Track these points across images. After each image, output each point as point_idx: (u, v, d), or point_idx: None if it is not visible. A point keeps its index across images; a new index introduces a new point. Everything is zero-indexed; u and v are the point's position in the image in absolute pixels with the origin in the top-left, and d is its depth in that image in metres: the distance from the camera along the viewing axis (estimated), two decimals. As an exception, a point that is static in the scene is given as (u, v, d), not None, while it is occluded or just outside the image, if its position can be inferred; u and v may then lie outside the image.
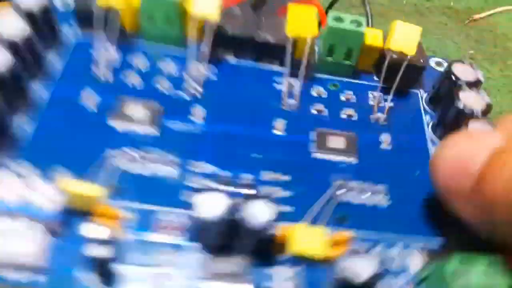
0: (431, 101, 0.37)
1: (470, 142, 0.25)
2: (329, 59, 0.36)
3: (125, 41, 0.35)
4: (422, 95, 0.38)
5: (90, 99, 0.32)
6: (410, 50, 0.34)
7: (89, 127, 0.31)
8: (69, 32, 0.36)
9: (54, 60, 0.34)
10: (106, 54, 0.34)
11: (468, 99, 0.33)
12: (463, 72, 0.35)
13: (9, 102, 0.29)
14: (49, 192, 0.27)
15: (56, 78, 0.33)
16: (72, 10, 0.35)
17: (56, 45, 0.34)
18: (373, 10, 0.48)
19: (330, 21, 0.35)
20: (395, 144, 0.34)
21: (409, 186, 0.31)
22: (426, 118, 0.36)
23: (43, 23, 0.33)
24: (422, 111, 0.37)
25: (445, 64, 0.40)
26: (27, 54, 0.31)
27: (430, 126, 0.36)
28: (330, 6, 0.49)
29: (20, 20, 0.31)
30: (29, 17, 0.31)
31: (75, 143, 0.30)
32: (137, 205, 0.28)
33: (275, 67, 0.37)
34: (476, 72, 0.35)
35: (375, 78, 0.38)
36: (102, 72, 0.34)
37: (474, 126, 0.31)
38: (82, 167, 0.28)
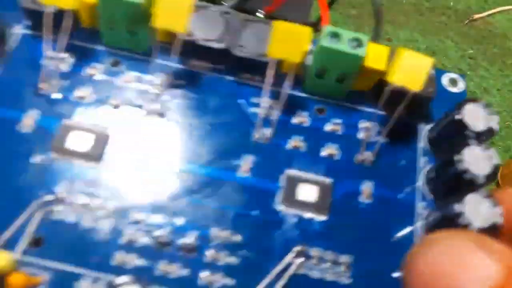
0: (432, 141, 0.31)
1: (458, 264, 0.20)
2: (319, 81, 0.30)
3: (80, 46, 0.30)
4: (423, 129, 0.31)
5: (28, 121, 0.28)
6: (415, 85, 0.28)
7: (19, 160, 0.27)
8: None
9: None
10: (54, 61, 0.29)
11: (473, 158, 0.27)
12: (475, 115, 0.28)
13: None
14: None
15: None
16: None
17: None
18: (370, 8, 0.40)
19: (323, 39, 0.28)
20: (376, 196, 0.29)
21: (377, 260, 0.27)
22: (422, 162, 0.30)
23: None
24: (419, 152, 0.31)
25: (461, 83, 0.34)
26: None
27: (425, 173, 0.30)
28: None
29: None
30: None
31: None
32: (57, 265, 0.25)
33: (252, 83, 0.31)
34: (491, 118, 0.28)
35: (371, 101, 0.32)
36: (47, 85, 0.29)
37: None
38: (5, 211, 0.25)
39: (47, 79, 0.29)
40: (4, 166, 0.27)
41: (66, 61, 0.30)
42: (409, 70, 0.28)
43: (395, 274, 0.27)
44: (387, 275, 0.27)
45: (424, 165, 0.30)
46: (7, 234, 0.25)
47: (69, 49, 0.30)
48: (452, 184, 0.28)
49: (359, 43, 0.28)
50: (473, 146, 0.27)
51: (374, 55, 0.29)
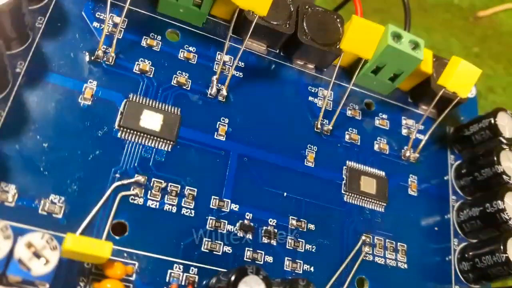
0: (459, 140, 0.34)
1: None
2: (373, 75, 0.32)
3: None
4: (449, 129, 0.35)
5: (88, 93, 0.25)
6: (464, 92, 0.30)
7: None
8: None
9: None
10: (110, 27, 0.26)
11: (507, 163, 0.31)
12: (505, 124, 0.32)
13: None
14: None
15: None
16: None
17: None
18: (372, 4, 0.42)
19: (389, 39, 0.29)
20: (420, 190, 0.31)
21: (428, 247, 0.30)
22: (451, 159, 0.34)
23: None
24: (448, 150, 0.34)
25: (473, 90, 0.37)
26: None
27: (454, 169, 0.33)
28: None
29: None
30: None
31: (63, 155, 0.23)
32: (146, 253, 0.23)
33: (311, 71, 0.31)
34: None
35: (410, 100, 0.34)
36: (105, 52, 0.26)
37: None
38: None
39: (105, 47, 0.26)
40: (72, 142, 0.24)
41: (122, 28, 0.27)
42: (461, 79, 0.30)
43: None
44: (434, 258, 0.30)
45: (452, 162, 0.33)
46: (87, 220, 0.22)
47: (126, 15, 0.27)
48: (485, 186, 0.31)
49: (416, 45, 0.30)
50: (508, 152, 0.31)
51: (424, 58, 0.32)
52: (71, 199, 0.23)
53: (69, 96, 0.25)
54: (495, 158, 0.30)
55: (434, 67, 0.32)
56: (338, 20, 0.31)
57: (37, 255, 0.20)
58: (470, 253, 0.30)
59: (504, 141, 0.31)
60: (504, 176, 0.30)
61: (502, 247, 0.28)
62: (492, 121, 0.32)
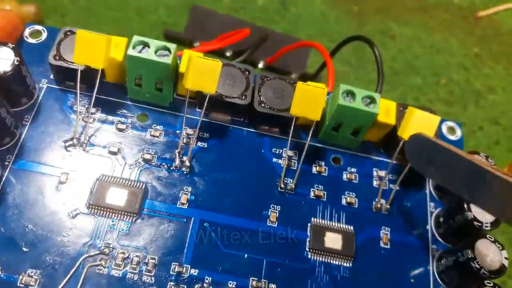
0: (438, 187, 0.34)
1: None
2: (335, 132, 0.33)
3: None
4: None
5: (63, 177, 0.29)
6: (425, 140, 0.31)
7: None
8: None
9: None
10: (84, 116, 0.31)
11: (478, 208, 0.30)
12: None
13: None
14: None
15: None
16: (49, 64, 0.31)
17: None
18: (372, 5, 0.42)
19: (340, 98, 0.31)
20: (393, 241, 0.31)
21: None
22: (430, 206, 0.33)
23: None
24: (427, 198, 0.34)
25: (458, 131, 0.37)
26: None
27: (434, 216, 0.33)
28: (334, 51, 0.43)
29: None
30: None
31: (41, 233, 0.27)
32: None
33: (275, 134, 0.33)
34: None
35: (382, 151, 0.35)
36: (79, 139, 0.30)
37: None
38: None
39: (78, 134, 0.30)
40: (49, 223, 0.28)
41: (95, 116, 0.31)
42: (419, 127, 0.30)
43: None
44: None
45: (432, 210, 0.33)
46: (54, 291, 0.26)
47: (96, 104, 0.31)
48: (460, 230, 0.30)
49: (371, 100, 0.31)
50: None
51: (385, 110, 0.32)
52: (46, 272, 0.26)
53: (48, 181, 0.29)
54: (465, 205, 0.30)
55: (399, 117, 0.33)
56: (294, 86, 0.33)
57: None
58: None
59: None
60: (475, 223, 0.29)
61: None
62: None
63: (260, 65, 0.46)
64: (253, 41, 0.41)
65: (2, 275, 0.26)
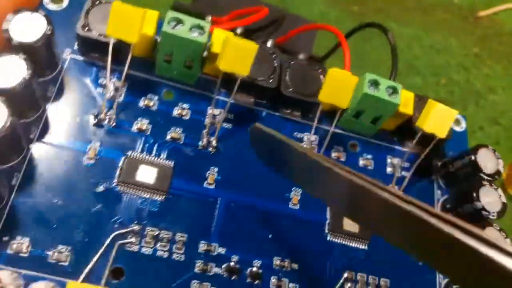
0: (445, 176, 0.36)
1: None
2: (355, 119, 0.34)
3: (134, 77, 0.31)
4: (436, 165, 0.36)
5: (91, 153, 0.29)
6: (442, 132, 0.32)
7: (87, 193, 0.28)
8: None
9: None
10: (111, 91, 0.30)
11: (487, 198, 0.32)
12: (486, 160, 0.33)
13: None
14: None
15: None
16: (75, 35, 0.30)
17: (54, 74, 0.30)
18: (372, 5, 0.43)
19: (365, 87, 0.31)
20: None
21: (411, 282, 0.32)
22: (438, 194, 0.35)
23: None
24: (435, 186, 0.36)
25: (463, 123, 0.39)
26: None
27: (440, 203, 0.35)
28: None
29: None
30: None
31: (70, 210, 0.27)
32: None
33: (297, 118, 0.34)
34: (497, 162, 0.33)
35: (395, 139, 0.36)
36: (107, 115, 0.30)
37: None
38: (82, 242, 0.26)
39: (105, 109, 0.30)
40: (77, 198, 0.27)
41: (122, 91, 0.31)
42: (437, 120, 0.32)
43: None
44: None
45: (439, 197, 0.35)
46: (89, 266, 0.26)
47: (125, 79, 0.31)
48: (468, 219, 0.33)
49: (394, 90, 0.32)
50: (487, 188, 0.32)
51: (403, 100, 0.34)
52: (76, 248, 0.26)
53: (75, 157, 0.28)
54: (475, 195, 0.32)
55: (415, 108, 0.34)
56: (320, 71, 0.33)
57: (43, 301, 0.24)
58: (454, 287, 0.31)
59: (485, 177, 0.33)
60: (484, 212, 0.31)
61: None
62: (473, 158, 0.33)
63: (269, 44, 0.45)
64: (268, 20, 0.41)
65: (33, 251, 0.26)
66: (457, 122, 0.39)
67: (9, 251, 0.25)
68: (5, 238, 0.26)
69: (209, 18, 0.45)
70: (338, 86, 0.31)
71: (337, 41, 0.42)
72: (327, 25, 0.42)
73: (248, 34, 0.45)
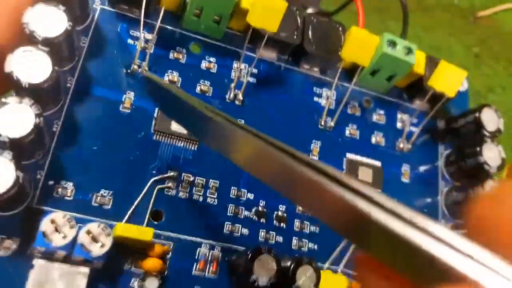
0: (449, 131, 0.38)
1: None
2: (370, 77, 0.36)
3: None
4: (442, 122, 0.39)
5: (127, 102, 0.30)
6: (451, 92, 0.35)
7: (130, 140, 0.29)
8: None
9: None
10: (143, 43, 0.31)
11: (489, 153, 0.35)
12: (488, 119, 0.36)
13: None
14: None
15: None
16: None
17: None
18: (372, 4, 0.44)
19: (384, 46, 0.33)
20: (412, 177, 0.36)
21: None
22: (441, 148, 0.38)
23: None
24: (439, 142, 0.38)
25: (465, 84, 0.41)
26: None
27: (443, 157, 0.38)
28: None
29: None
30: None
31: (109, 157, 0.28)
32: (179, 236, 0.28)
33: (316, 74, 0.36)
34: (499, 121, 0.36)
35: (405, 96, 0.38)
36: (139, 65, 0.31)
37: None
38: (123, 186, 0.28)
39: (138, 61, 0.31)
40: (116, 145, 0.29)
41: (152, 43, 0.32)
42: (448, 80, 0.34)
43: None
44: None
45: (442, 152, 0.38)
46: (131, 209, 0.28)
47: (151, 29, 0.31)
48: (470, 173, 0.36)
49: (409, 50, 0.34)
50: (489, 144, 0.35)
51: (416, 60, 0.36)
52: (117, 192, 0.28)
53: (112, 106, 0.29)
54: (478, 149, 0.35)
55: (427, 68, 0.36)
56: (340, 29, 0.35)
57: (95, 240, 0.25)
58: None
59: (487, 134, 0.36)
60: (486, 166, 0.34)
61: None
62: (477, 115, 0.36)
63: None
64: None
65: (77, 195, 0.27)
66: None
67: (55, 195, 0.27)
68: (51, 182, 0.27)
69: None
70: (360, 45, 0.32)
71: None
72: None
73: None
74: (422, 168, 0.37)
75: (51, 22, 0.26)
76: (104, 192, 0.28)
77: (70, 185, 0.27)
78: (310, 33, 0.34)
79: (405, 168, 0.36)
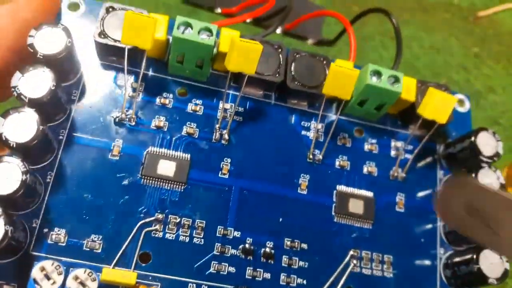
0: (448, 157, 0.37)
1: None
2: (359, 107, 0.36)
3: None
4: (440, 147, 0.38)
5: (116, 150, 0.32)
6: (442, 119, 0.34)
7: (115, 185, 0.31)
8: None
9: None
10: (129, 92, 0.33)
11: (485, 179, 0.34)
12: (485, 143, 0.35)
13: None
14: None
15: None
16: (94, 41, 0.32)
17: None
18: (372, 4, 0.44)
19: (368, 78, 0.33)
20: (407, 206, 0.35)
21: (414, 257, 0.34)
22: (440, 174, 0.37)
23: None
24: (438, 167, 0.37)
25: (467, 104, 0.40)
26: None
27: (442, 183, 0.37)
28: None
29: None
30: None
31: (99, 203, 0.30)
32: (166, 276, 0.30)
33: (304, 108, 0.36)
34: (497, 144, 0.35)
35: (399, 123, 0.38)
36: (127, 114, 0.32)
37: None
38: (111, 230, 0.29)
39: (126, 109, 0.32)
40: (105, 191, 0.30)
41: (139, 91, 0.33)
42: (438, 107, 0.34)
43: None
44: (421, 268, 0.34)
45: (441, 178, 0.37)
46: (119, 253, 0.29)
47: (142, 79, 0.33)
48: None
49: (396, 79, 0.34)
50: (485, 170, 0.34)
51: (406, 87, 0.35)
52: (107, 236, 0.30)
53: (101, 154, 0.31)
54: (474, 176, 0.34)
55: (418, 94, 0.36)
56: (324, 62, 0.35)
57: (83, 284, 0.27)
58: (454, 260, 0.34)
59: (484, 159, 0.34)
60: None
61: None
62: (472, 140, 0.35)
63: (278, 31, 0.47)
64: (275, 10, 0.42)
65: (70, 240, 0.29)
66: (461, 102, 0.40)
67: (49, 241, 0.29)
68: (45, 230, 0.29)
69: (219, 10, 0.47)
70: (340, 80, 0.33)
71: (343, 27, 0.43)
72: (333, 12, 0.43)
73: (257, 22, 0.47)
74: (420, 195, 0.36)
75: (38, 82, 0.28)
76: (95, 237, 0.30)
77: (63, 232, 0.29)
78: (292, 69, 0.34)
79: (400, 197, 0.36)
